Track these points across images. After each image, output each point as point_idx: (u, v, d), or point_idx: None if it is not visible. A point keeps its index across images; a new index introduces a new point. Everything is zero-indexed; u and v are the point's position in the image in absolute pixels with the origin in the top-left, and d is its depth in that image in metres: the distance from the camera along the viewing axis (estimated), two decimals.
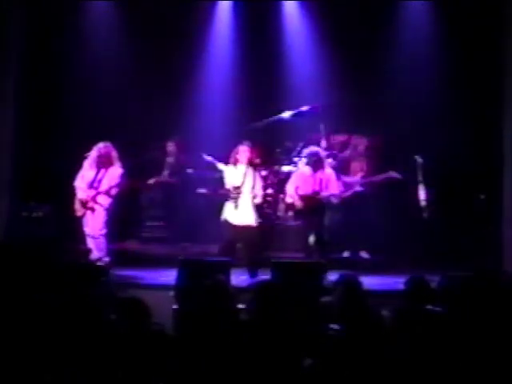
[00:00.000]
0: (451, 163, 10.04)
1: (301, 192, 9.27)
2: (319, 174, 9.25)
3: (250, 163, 9.12)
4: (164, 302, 6.99)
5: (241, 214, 9.00)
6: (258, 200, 9.15)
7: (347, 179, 10.01)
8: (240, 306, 5.59)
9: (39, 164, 10.62)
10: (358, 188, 9.88)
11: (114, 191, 9.15)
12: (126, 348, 4.51)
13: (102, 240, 9.10)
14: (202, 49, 11.23)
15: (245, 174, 9.06)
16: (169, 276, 8.23)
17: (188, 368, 4.57)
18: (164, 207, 10.77)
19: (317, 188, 9.21)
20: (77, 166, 9.70)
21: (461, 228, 9.93)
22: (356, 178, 10.11)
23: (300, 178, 9.36)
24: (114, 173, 9.15)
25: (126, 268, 9.28)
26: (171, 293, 7.35)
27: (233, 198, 8.97)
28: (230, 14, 11.31)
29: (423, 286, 5.40)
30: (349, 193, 9.76)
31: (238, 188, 8.99)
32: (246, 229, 9.02)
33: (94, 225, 9.12)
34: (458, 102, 10.52)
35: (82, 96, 10.80)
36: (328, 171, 9.36)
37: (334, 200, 9.35)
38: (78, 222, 9.40)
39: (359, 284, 5.32)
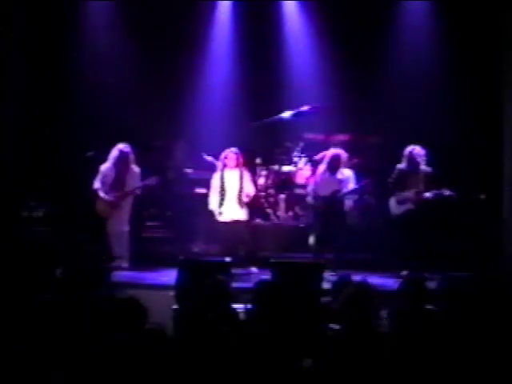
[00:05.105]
0: (451, 163, 10.04)
1: (321, 193, 9.39)
2: (339, 175, 9.38)
3: (238, 167, 9.46)
4: (164, 302, 6.99)
5: (228, 211, 9.42)
6: (247, 199, 9.52)
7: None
8: (240, 306, 5.62)
9: (40, 163, 10.62)
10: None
11: (138, 191, 9.45)
12: (126, 348, 4.51)
13: (126, 237, 9.35)
14: (202, 49, 11.23)
15: (233, 178, 9.44)
16: (169, 276, 8.24)
17: (188, 368, 4.57)
18: (164, 207, 10.77)
19: (336, 188, 9.33)
20: (77, 166, 9.75)
21: (461, 228, 9.93)
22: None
23: (320, 180, 9.47)
24: (135, 174, 9.43)
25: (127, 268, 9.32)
26: (171, 293, 7.34)
27: (220, 200, 9.41)
28: (229, 14, 11.32)
29: (419, 286, 5.41)
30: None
31: (223, 191, 9.40)
32: (234, 224, 9.43)
33: (119, 222, 9.35)
34: (458, 101, 10.52)
35: (81, 96, 10.81)
36: (347, 172, 9.46)
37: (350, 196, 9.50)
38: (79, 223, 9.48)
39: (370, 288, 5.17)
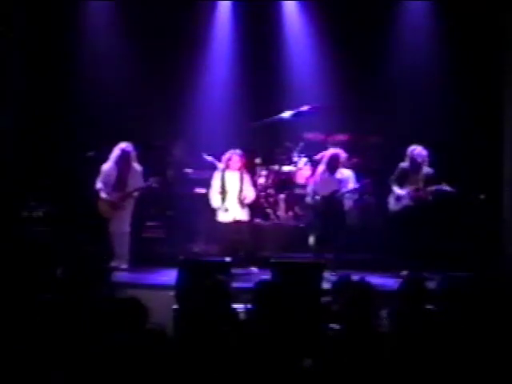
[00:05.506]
0: (451, 163, 10.04)
1: (320, 193, 9.38)
2: (338, 175, 9.39)
3: (240, 170, 9.53)
4: (164, 302, 6.99)
5: (230, 212, 9.46)
6: (248, 200, 9.57)
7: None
8: (240, 306, 5.61)
9: (40, 163, 10.62)
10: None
11: (140, 191, 9.46)
12: (126, 348, 4.51)
13: (127, 238, 9.36)
14: (202, 49, 11.23)
15: (233, 180, 9.49)
16: (169, 276, 8.24)
17: (188, 368, 4.57)
18: (164, 207, 10.76)
19: (335, 188, 9.33)
20: (77, 166, 9.75)
21: (461, 228, 9.93)
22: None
23: (319, 180, 9.47)
24: (137, 172, 9.42)
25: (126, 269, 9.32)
26: (171, 293, 7.35)
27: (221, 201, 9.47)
28: (229, 14, 11.32)
29: (419, 286, 5.41)
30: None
31: (223, 192, 9.43)
32: (236, 224, 9.48)
33: (120, 223, 9.36)
34: (458, 101, 10.53)
35: (81, 96, 10.81)
36: (346, 172, 9.46)
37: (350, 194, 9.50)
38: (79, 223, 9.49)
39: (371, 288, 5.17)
